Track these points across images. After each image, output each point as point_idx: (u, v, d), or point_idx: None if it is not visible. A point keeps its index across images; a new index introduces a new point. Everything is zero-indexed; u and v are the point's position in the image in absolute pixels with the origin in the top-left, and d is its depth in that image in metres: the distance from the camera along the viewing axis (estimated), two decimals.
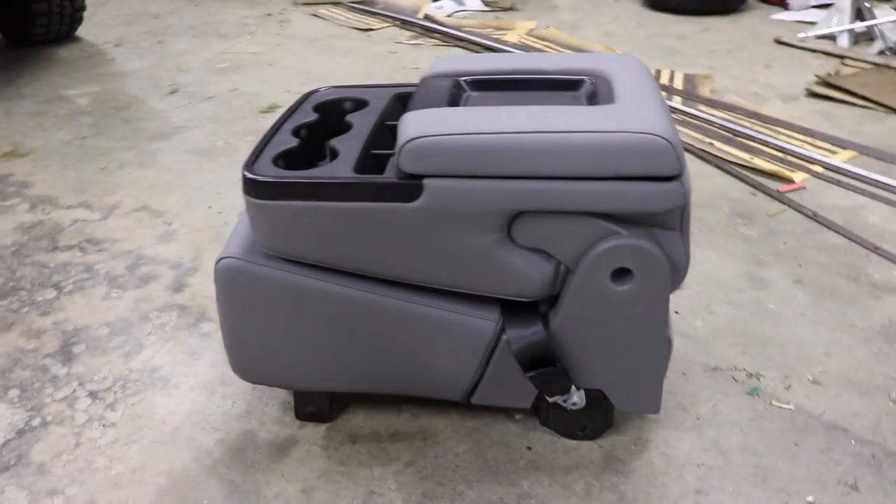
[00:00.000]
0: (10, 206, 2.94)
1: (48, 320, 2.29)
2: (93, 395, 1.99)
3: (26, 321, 2.28)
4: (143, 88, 4.19)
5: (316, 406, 1.86)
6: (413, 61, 4.55)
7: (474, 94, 1.77)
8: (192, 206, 2.92)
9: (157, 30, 5.34)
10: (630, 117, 1.46)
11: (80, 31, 5.25)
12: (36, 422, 1.90)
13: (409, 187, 1.48)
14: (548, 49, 4.68)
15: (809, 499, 1.65)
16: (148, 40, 5.09)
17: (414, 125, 1.48)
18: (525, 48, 4.71)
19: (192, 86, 4.22)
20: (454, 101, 1.70)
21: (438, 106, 1.62)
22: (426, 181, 1.47)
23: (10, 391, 2.00)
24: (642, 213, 1.49)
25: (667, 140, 1.41)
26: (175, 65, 4.58)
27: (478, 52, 4.57)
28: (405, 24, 5.32)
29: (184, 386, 2.01)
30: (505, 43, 4.78)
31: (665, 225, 1.53)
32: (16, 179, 3.16)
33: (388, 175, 1.51)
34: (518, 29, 5.13)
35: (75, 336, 2.22)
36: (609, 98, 1.61)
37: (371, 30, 5.25)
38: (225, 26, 5.40)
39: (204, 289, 2.41)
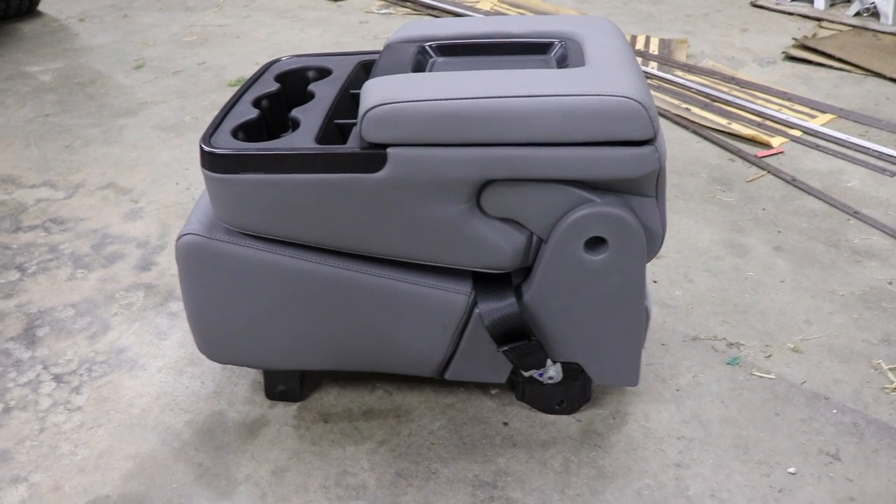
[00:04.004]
0: None
1: (11, 303, 2.22)
2: (57, 378, 1.93)
3: None
4: (109, 64, 4.09)
5: (286, 385, 1.81)
6: (385, 31, 4.46)
7: (440, 59, 1.71)
8: (159, 183, 2.85)
9: (122, 3, 5.21)
10: (601, 80, 1.41)
11: (43, 6, 5.13)
12: None
13: (372, 157, 1.42)
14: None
15: (791, 470, 1.62)
16: (112, 14, 4.97)
17: (376, 92, 1.42)
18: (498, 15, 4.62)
19: (158, 60, 4.12)
20: (419, 67, 1.64)
21: (402, 72, 1.56)
22: (390, 150, 1.41)
23: None
24: (616, 180, 1.44)
25: (639, 103, 1.36)
26: (141, 39, 4.47)
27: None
28: None
29: (151, 367, 1.96)
30: (478, 10, 4.70)
31: (640, 191, 1.48)
32: None
33: (351, 145, 1.45)
34: None
35: (39, 318, 2.15)
36: (580, 61, 1.55)
37: None
38: None
39: (171, 267, 2.35)
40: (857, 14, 4.37)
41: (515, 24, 1.75)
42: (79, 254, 2.44)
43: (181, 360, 1.97)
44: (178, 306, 2.18)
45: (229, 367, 1.93)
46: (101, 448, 1.73)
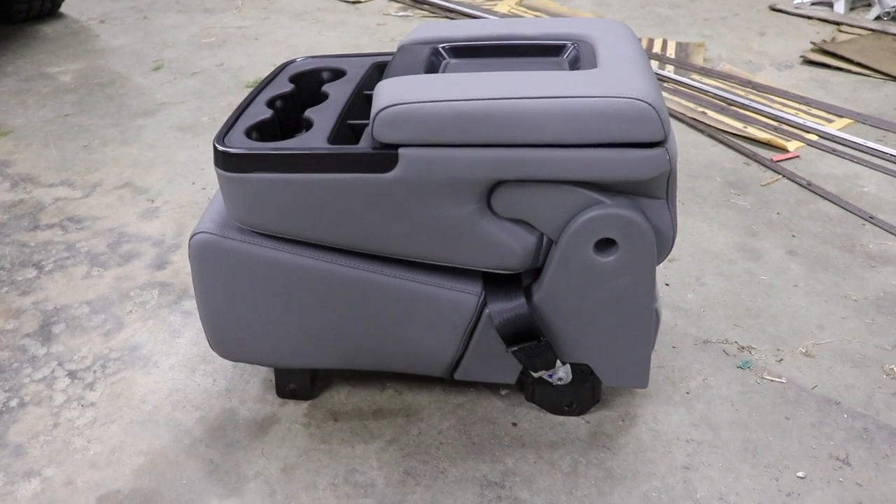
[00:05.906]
0: None
1: (28, 300, 2.24)
2: (72, 374, 1.95)
3: (5, 301, 2.24)
4: (128, 65, 4.13)
5: (297, 383, 1.82)
6: (402, 33, 4.48)
7: (453, 60, 1.72)
8: (176, 183, 2.87)
9: (142, 5, 5.26)
10: (612, 82, 1.41)
11: (64, 8, 5.18)
12: (14, 403, 1.87)
13: (384, 157, 1.43)
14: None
15: (800, 474, 1.61)
16: (133, 16, 5.01)
17: (388, 93, 1.43)
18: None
19: (177, 61, 4.15)
20: (432, 68, 1.65)
21: (415, 73, 1.57)
22: (401, 150, 1.42)
23: None
24: (626, 182, 1.44)
25: (650, 105, 1.36)
26: (160, 40, 4.51)
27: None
28: None
29: (164, 364, 1.97)
30: (495, 13, 4.71)
31: (650, 193, 1.48)
32: None
33: (363, 145, 1.46)
34: None
35: (55, 315, 2.17)
36: (591, 63, 1.55)
37: (359, 2, 5.17)
38: (211, 1, 5.32)
39: (186, 266, 2.36)
40: (878, 18, 4.35)
41: (528, 27, 1.76)
42: (95, 252, 2.46)
43: (194, 358, 1.99)
44: (191, 305, 2.19)
45: (241, 365, 1.94)
46: (114, 444, 1.75)
